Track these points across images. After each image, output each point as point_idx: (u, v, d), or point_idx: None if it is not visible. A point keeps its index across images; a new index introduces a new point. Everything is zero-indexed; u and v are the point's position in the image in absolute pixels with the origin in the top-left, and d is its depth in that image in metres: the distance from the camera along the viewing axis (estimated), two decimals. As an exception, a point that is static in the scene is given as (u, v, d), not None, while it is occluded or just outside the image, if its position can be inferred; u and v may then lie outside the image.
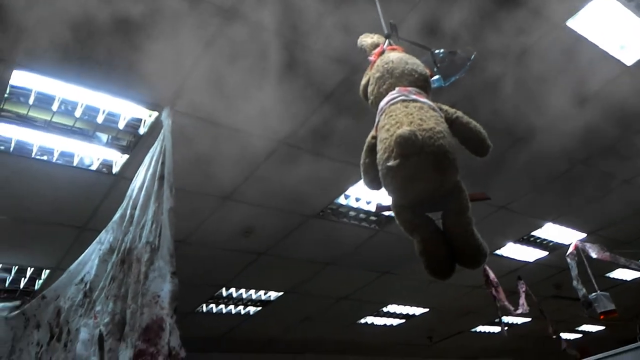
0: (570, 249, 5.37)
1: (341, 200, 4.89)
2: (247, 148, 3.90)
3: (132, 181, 2.48)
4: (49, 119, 3.38)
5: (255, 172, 4.19)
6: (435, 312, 8.27)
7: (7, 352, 3.16)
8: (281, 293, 6.58)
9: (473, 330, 9.68)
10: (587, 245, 5.35)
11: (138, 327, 1.90)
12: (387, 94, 1.74)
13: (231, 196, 4.45)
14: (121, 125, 3.54)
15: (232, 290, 6.37)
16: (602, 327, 11.01)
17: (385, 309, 7.92)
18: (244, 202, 4.57)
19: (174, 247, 2.04)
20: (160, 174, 2.22)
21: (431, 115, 1.58)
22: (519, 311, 5.58)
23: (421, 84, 1.79)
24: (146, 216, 2.20)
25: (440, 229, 1.62)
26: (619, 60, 3.72)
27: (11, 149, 3.52)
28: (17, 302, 3.38)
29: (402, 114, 1.59)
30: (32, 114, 3.33)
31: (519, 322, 9.39)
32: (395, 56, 1.88)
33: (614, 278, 8.10)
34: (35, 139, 3.52)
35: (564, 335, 7.81)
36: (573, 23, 3.32)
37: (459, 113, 1.74)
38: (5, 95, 3.14)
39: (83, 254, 2.68)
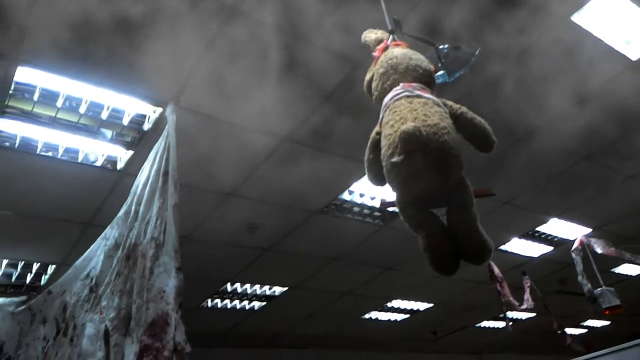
0: (576, 245, 5.36)
1: (345, 196, 4.89)
2: (251, 144, 3.91)
3: (137, 177, 2.49)
4: (53, 115, 3.39)
5: (259, 168, 4.20)
6: (439, 307, 8.28)
7: (14, 346, 3.19)
8: (286, 288, 6.60)
9: (477, 325, 9.68)
10: (593, 240, 5.34)
11: (143, 322, 1.91)
12: (391, 89, 1.74)
13: (235, 192, 4.46)
14: (125, 121, 3.55)
15: (237, 285, 6.38)
16: (607, 323, 10.99)
17: (389, 304, 7.93)
18: (248, 198, 4.58)
19: (179, 242, 2.05)
20: (164, 170, 2.22)
21: (435, 111, 1.58)
22: (524, 306, 5.57)
23: (425, 79, 1.79)
24: (151, 212, 2.21)
25: (445, 225, 1.62)
26: (624, 55, 3.70)
27: (16, 145, 3.53)
28: (24, 297, 3.41)
29: (406, 110, 1.59)
30: (37, 110, 3.34)
31: (523, 318, 9.38)
32: (399, 52, 1.88)
33: (619, 273, 8.08)
34: (40, 136, 3.53)
35: (569, 331, 7.81)
36: (578, 18, 3.29)
37: (464, 109, 1.74)
38: (10, 92, 3.15)
39: (88, 250, 2.69)
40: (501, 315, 7.32)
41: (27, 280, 5.32)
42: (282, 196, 4.64)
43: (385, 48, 1.96)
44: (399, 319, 8.62)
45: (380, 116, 1.71)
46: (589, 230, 6.40)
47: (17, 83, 3.11)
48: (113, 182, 4.00)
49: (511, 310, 6.06)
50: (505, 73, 3.65)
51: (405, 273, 6.65)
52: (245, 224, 4.96)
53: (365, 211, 5.26)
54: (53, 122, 3.43)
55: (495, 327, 9.90)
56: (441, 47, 1.99)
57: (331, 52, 3.23)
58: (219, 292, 6.44)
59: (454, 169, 1.53)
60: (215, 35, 2.99)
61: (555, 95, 3.91)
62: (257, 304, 6.99)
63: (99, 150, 3.77)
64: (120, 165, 3.89)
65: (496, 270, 5.30)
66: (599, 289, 5.11)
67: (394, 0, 2.23)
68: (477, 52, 1.98)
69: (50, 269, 5.20)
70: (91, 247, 2.68)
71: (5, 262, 4.98)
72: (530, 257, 6.94)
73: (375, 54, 1.99)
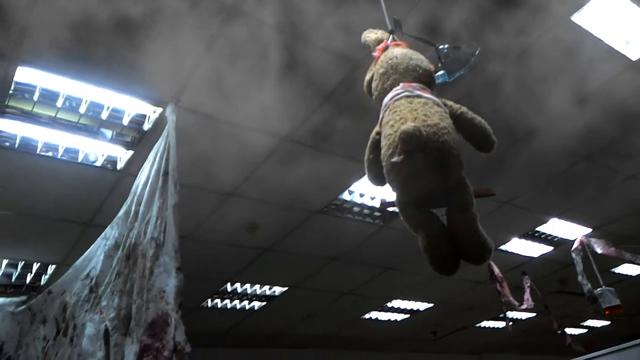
0: (576, 245, 5.36)
1: (345, 196, 4.90)
2: (250, 144, 3.91)
3: (137, 177, 2.49)
4: (53, 115, 3.39)
5: (259, 168, 4.20)
6: (439, 307, 8.28)
7: (14, 346, 3.19)
8: (286, 288, 6.60)
9: (477, 325, 9.68)
10: (593, 240, 5.34)
11: (144, 322, 1.91)
12: (391, 89, 1.74)
13: (235, 192, 4.46)
14: (125, 121, 3.55)
15: (237, 285, 6.38)
16: (607, 323, 11.00)
17: (389, 304, 7.93)
18: (248, 198, 4.58)
19: (179, 242, 2.05)
20: (164, 170, 2.22)
21: (435, 111, 1.58)
22: (524, 306, 5.57)
23: (425, 79, 1.78)
24: (151, 212, 2.21)
25: (445, 225, 1.62)
26: (624, 55, 3.70)
27: (16, 145, 3.53)
28: (24, 297, 3.41)
29: (406, 110, 1.59)
30: (37, 110, 3.34)
31: (523, 318, 9.38)
32: (399, 52, 1.88)
33: (619, 273, 8.08)
34: (40, 135, 3.53)
35: (569, 331, 7.81)
36: (578, 18, 3.30)
37: (464, 109, 1.74)
38: (10, 92, 3.15)
39: (88, 250, 2.69)
40: (501, 315, 7.32)
41: (27, 280, 5.32)
42: (282, 196, 4.64)
43: (385, 48, 1.96)
44: (399, 319, 8.62)
45: (380, 116, 1.71)
46: (589, 230, 6.40)
47: (17, 83, 3.11)
48: (113, 182, 4.00)
49: (511, 310, 6.06)
50: (505, 73, 3.65)
51: (405, 273, 6.65)
52: (246, 224, 4.97)
53: (365, 211, 5.26)
54: (53, 122, 3.43)
55: (495, 327, 9.91)
56: (441, 47, 1.99)
57: (331, 52, 3.23)
58: (219, 292, 6.44)
59: (454, 169, 1.53)
60: (215, 35, 2.99)
61: (555, 95, 3.91)
62: (257, 304, 6.99)
63: (99, 150, 3.77)
64: (120, 165, 3.89)
65: (496, 270, 5.30)
66: (599, 289, 5.11)
67: (393, 1, 2.23)
68: (477, 52, 1.98)
69: (50, 269, 5.20)
70: (91, 247, 2.68)
71: (5, 262, 4.99)
72: (530, 257, 6.94)
73: (375, 54, 1.99)
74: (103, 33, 2.83)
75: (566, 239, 6.49)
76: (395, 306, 8.07)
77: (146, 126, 3.59)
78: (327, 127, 3.87)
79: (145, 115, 3.56)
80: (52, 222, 4.40)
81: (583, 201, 5.75)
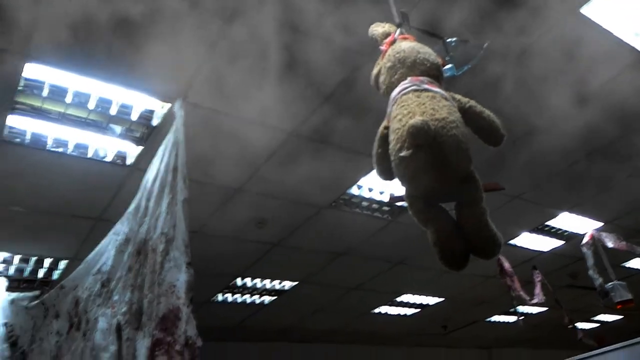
0: (586, 239, 5.31)
1: (354, 190, 4.89)
2: (258, 140, 3.91)
3: (146, 172, 2.50)
4: (62, 111, 3.41)
5: (267, 164, 4.21)
6: (449, 302, 8.27)
7: (28, 341, 3.22)
8: (295, 283, 6.62)
9: (488, 320, 9.66)
10: (603, 234, 5.29)
11: (155, 316, 1.93)
12: (398, 83, 1.73)
13: (244, 188, 4.47)
14: (134, 116, 3.56)
15: (247, 280, 6.42)
16: (618, 317, 10.92)
17: (399, 299, 7.93)
18: (257, 194, 4.59)
19: (189, 237, 2.06)
20: (173, 165, 2.24)
21: (444, 105, 1.57)
22: (535, 301, 5.55)
23: (433, 73, 1.77)
24: (160, 207, 2.22)
25: (454, 220, 1.62)
26: (633, 48, 3.65)
27: (26, 141, 3.56)
28: (37, 292, 3.44)
29: (414, 104, 1.58)
30: (46, 106, 3.36)
31: (534, 312, 9.34)
32: (407, 45, 1.86)
33: (630, 267, 8.01)
34: (50, 131, 3.55)
35: (580, 325, 7.76)
36: (587, 10, 3.26)
37: (472, 102, 1.73)
38: (19, 88, 3.17)
39: (100, 245, 2.71)
40: (511, 310, 7.29)
41: (40, 276, 5.38)
42: (290, 191, 4.65)
43: (393, 41, 1.95)
44: (408, 314, 8.62)
45: (388, 110, 1.70)
46: (600, 224, 6.34)
47: (26, 79, 3.13)
48: (122, 177, 4.03)
49: (522, 304, 6.04)
50: (514, 66, 3.62)
51: (415, 268, 6.64)
52: (254, 219, 4.98)
53: (374, 206, 5.26)
54: (62, 118, 3.45)
55: (506, 321, 9.88)
56: (449, 40, 1.98)
57: (338, 45, 3.21)
58: (229, 287, 6.48)
59: (463, 163, 1.53)
60: (222, 31, 2.99)
61: (567, 86, 3.87)
62: (266, 299, 7.02)
63: (108, 145, 3.79)
64: (129, 161, 3.91)
65: (506, 264, 5.28)
66: (610, 283, 5.06)
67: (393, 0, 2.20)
68: (485, 45, 1.96)
69: (62, 264, 5.25)
70: (102, 242, 2.70)
71: (18, 257, 5.04)
72: (540, 251, 6.90)
73: (383, 47, 1.98)
74: (111, 29, 2.83)
75: (577, 233, 6.44)
76: (405, 301, 8.07)
77: (155, 121, 3.60)
78: (335, 122, 3.86)
79: (153, 111, 3.57)
80: (63, 218, 4.43)
81: (594, 195, 5.69)
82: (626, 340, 4.56)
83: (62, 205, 4.27)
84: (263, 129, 3.83)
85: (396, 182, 1.66)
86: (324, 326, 8.39)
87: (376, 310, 8.21)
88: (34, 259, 5.12)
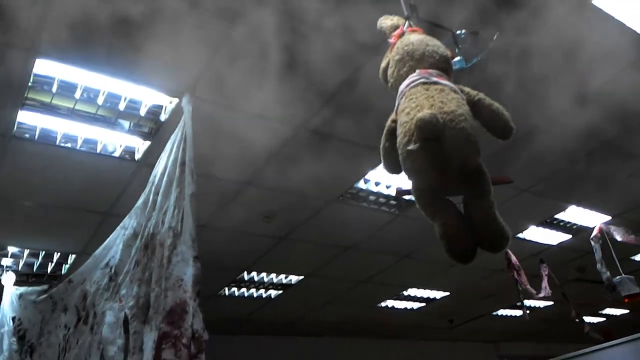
0: (595, 232, 5.30)
1: (361, 184, 4.88)
2: (266, 133, 3.91)
3: (154, 167, 2.51)
4: (72, 106, 3.43)
5: (275, 157, 4.21)
6: (456, 296, 8.25)
7: (37, 334, 3.26)
8: (302, 277, 6.63)
9: (494, 313, 9.64)
10: (612, 228, 5.27)
11: (162, 310, 1.94)
12: (407, 76, 1.72)
13: (251, 181, 4.48)
14: (142, 112, 3.57)
15: (254, 274, 6.44)
16: (626, 311, 10.87)
17: (405, 293, 7.93)
18: (264, 187, 4.59)
19: (196, 231, 2.07)
20: (181, 160, 2.24)
21: (452, 98, 1.56)
22: (542, 294, 5.54)
23: (442, 66, 1.76)
24: (168, 202, 2.23)
25: (462, 213, 1.61)
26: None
27: (36, 136, 3.58)
28: (45, 286, 3.48)
29: (422, 97, 1.57)
30: (56, 102, 3.38)
31: (541, 306, 9.32)
32: (416, 38, 1.85)
33: (639, 261, 7.97)
34: (59, 127, 3.57)
35: (587, 319, 7.74)
36: (599, 1, 3.22)
37: (481, 95, 1.71)
38: (29, 84, 3.18)
39: (108, 239, 2.73)
40: (518, 304, 7.29)
41: (48, 270, 5.42)
42: (298, 185, 4.65)
43: (401, 34, 1.94)
44: (415, 307, 8.62)
45: (396, 103, 1.70)
46: (609, 217, 6.30)
47: (35, 75, 3.14)
48: (131, 172, 4.05)
49: (528, 298, 6.02)
50: (525, 55, 3.58)
51: (421, 261, 6.64)
52: (262, 213, 4.99)
53: (381, 200, 5.25)
54: (72, 114, 3.47)
55: (512, 315, 9.86)
56: (458, 32, 1.97)
57: (351, 40, 3.19)
58: (236, 281, 6.50)
59: (471, 156, 1.52)
60: (229, 29, 2.98)
61: (580, 78, 3.83)
62: (273, 292, 7.04)
63: (117, 140, 3.81)
64: (138, 156, 3.93)
65: (513, 258, 5.27)
66: (618, 277, 5.05)
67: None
68: (494, 37, 1.95)
69: (71, 258, 5.29)
70: (110, 236, 2.72)
71: (27, 252, 5.09)
72: (548, 244, 6.87)
73: (391, 40, 1.96)
74: (120, 25, 2.83)
75: (585, 227, 6.40)
76: (411, 294, 8.07)
77: (163, 117, 3.61)
78: (342, 116, 3.85)
79: (161, 106, 3.58)
80: (72, 212, 4.46)
81: (602, 188, 5.65)
82: (633, 334, 4.55)
83: (71, 200, 4.29)
84: (270, 123, 3.83)
85: (403, 175, 1.65)
86: (330, 320, 8.41)
87: (382, 304, 8.22)
88: (42, 253, 5.16)
